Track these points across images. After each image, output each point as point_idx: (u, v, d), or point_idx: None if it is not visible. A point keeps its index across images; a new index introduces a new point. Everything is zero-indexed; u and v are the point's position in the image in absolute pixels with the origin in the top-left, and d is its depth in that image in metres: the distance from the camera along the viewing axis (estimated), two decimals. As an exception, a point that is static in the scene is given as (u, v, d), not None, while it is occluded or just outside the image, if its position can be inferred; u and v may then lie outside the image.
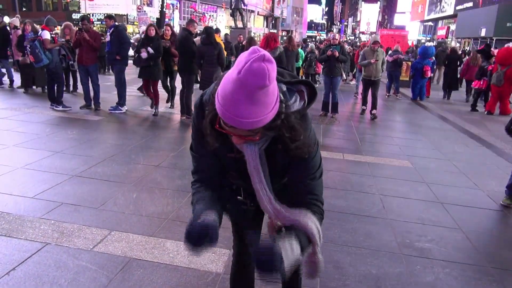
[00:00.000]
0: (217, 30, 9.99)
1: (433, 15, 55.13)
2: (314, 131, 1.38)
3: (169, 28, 8.03)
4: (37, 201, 3.51)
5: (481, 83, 10.24)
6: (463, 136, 7.36)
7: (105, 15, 8.44)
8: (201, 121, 1.31)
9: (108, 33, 7.68)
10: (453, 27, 47.86)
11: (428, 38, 54.18)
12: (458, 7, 44.56)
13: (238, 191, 1.60)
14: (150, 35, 7.27)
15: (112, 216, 3.29)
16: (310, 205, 1.36)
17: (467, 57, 13.25)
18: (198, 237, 1.24)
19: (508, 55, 9.27)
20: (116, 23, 7.78)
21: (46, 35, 7.22)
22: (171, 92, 8.62)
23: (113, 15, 8.13)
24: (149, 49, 7.14)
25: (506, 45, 10.20)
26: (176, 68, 7.87)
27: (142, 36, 10.56)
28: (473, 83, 10.74)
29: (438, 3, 53.32)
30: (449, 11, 48.09)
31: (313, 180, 1.37)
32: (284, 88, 1.21)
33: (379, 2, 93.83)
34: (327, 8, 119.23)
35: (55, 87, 7.58)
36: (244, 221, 1.73)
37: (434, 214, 3.76)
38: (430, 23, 58.02)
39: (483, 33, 36.46)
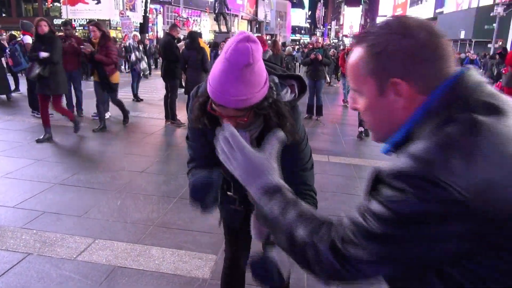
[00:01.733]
0: (199, 35, 9.95)
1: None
2: (303, 126, 1.46)
3: (96, 28, 6.32)
4: (18, 210, 3.43)
5: (497, 85, 10.83)
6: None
7: (88, 20, 8.34)
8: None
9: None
10: (433, 29, 48.89)
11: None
12: (438, 11, 45.57)
13: (229, 188, 1.61)
14: (42, 33, 5.53)
15: (96, 224, 3.24)
16: (304, 195, 1.42)
17: None
18: (202, 187, 1.30)
19: None
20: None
21: (28, 39, 7.10)
22: (120, 108, 6.98)
23: (96, 20, 8.02)
24: (41, 53, 5.46)
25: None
26: (114, 80, 6.45)
27: (130, 42, 10.55)
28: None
29: (419, 4, 54.41)
30: (429, 14, 49.10)
31: (305, 171, 1.45)
32: (276, 80, 1.28)
33: (361, 6, 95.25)
34: (310, 12, 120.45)
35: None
36: (234, 223, 1.74)
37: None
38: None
39: (462, 36, 37.35)
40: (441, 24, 43.69)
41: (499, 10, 27.75)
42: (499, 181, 0.66)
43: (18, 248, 2.81)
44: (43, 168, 4.54)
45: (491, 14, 28.77)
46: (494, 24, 28.63)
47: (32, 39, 7.36)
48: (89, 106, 8.03)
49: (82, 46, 6.47)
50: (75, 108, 7.73)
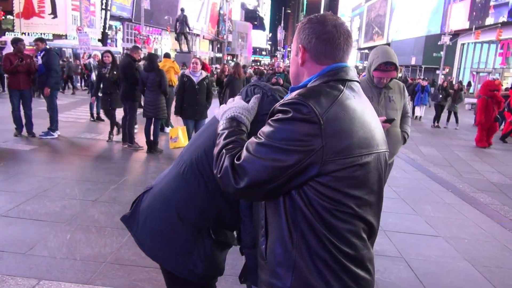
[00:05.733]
0: (168, 55, 9.76)
1: (368, 44, 58.91)
2: None
3: None
4: (-49, 248, 3.11)
5: None
6: (400, 161, 7.75)
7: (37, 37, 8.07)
8: None
9: (39, 56, 7.29)
10: (387, 55, 51.45)
11: (364, 65, 57.44)
12: (390, 38, 48.11)
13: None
14: None
15: (42, 263, 2.99)
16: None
17: None
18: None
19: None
20: (48, 47, 7.42)
21: None
22: None
23: (44, 38, 7.73)
24: None
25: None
26: None
27: (90, 61, 10.22)
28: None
29: (372, 33, 57.20)
30: (383, 40, 51.67)
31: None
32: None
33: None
34: (271, 34, 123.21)
35: None
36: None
37: (378, 242, 3.81)
38: (366, 50, 61.90)
39: (413, 62, 39.51)
40: (395, 49, 46.06)
41: (446, 39, 29.65)
42: (340, 121, 1.09)
43: (-52, 294, 2.52)
44: (-16, 198, 4.18)
45: (439, 43, 30.68)
46: (442, 52, 30.54)
47: None
48: (40, 125, 7.61)
49: None
50: (24, 128, 7.30)
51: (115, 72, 7.12)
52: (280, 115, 1.11)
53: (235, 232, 1.60)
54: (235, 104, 1.34)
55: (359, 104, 1.18)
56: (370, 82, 3.06)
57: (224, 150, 1.18)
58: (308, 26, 1.23)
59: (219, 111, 1.36)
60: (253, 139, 1.14)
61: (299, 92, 1.14)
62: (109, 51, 7.43)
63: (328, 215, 1.11)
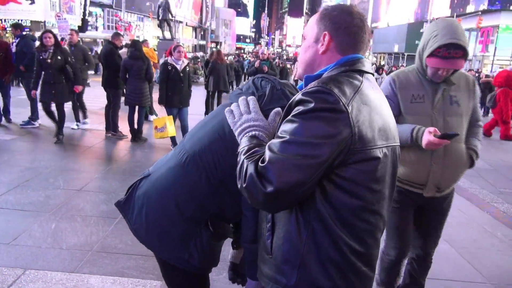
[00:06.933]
0: (142, 41, 9.63)
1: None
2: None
3: None
4: None
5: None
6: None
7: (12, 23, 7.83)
8: None
9: (14, 43, 7.10)
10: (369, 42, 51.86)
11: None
12: (373, 25, 48.35)
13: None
14: None
15: (27, 252, 2.96)
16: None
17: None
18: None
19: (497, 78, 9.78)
20: (24, 33, 7.21)
21: None
22: None
23: (21, 23, 7.51)
24: None
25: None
26: None
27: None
28: None
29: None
30: (367, 28, 51.89)
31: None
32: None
33: (303, 17, 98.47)
34: (254, 21, 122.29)
35: None
36: None
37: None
38: (350, 38, 62.16)
39: (396, 49, 39.83)
40: (377, 37, 46.38)
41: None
42: (364, 111, 1.07)
43: None
44: (-36, 188, 4.09)
45: (421, 30, 30.93)
46: (424, 40, 30.80)
47: None
48: (20, 115, 7.45)
49: None
50: (2, 117, 7.13)
51: (59, 58, 5.98)
52: (301, 108, 1.05)
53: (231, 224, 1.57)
54: (256, 122, 1.23)
55: (377, 96, 1.18)
56: (421, 74, 2.09)
57: (245, 160, 1.09)
58: (336, 15, 1.20)
59: (233, 117, 1.28)
60: (274, 139, 1.07)
61: (321, 80, 1.11)
62: (49, 31, 6.14)
63: (347, 212, 1.08)
